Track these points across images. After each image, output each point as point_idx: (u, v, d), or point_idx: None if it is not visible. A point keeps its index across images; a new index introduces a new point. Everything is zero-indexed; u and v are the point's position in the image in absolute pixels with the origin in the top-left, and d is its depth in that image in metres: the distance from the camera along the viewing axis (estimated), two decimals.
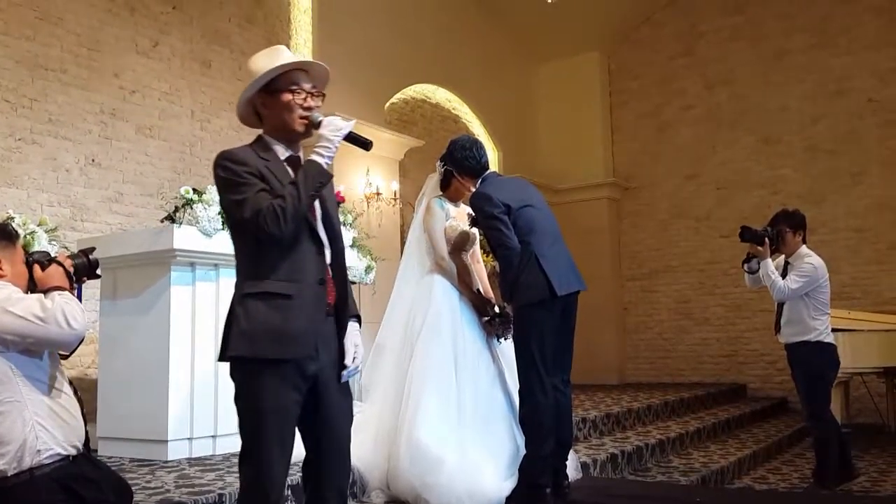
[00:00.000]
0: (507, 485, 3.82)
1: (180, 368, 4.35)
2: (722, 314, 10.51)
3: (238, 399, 2.33)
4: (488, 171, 4.21)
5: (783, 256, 5.34)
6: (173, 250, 4.27)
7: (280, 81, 2.47)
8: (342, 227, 4.85)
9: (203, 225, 4.36)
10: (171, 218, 4.56)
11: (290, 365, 2.28)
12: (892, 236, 9.46)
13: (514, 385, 4.15)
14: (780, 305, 5.29)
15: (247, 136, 8.11)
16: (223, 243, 4.45)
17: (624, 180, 11.30)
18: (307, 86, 2.49)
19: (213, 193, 4.47)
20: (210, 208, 4.40)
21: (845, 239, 9.67)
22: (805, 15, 10.19)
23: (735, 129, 10.57)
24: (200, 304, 4.46)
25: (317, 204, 2.46)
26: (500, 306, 4.34)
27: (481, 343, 4.22)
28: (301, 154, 2.53)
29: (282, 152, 2.48)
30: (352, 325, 2.51)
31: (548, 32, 11.04)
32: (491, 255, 8.76)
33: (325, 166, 2.40)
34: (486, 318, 4.28)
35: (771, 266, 5.16)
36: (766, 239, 5.17)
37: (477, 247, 4.56)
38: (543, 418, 3.80)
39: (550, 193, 10.93)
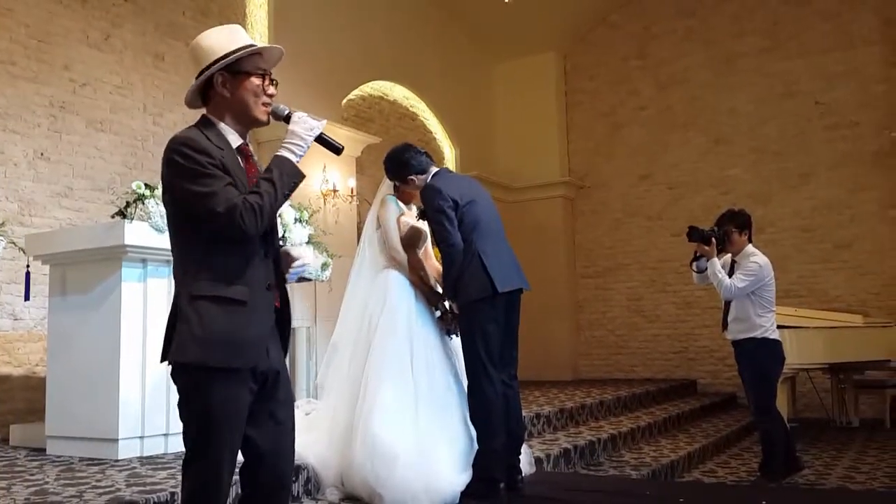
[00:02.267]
0: (462, 479, 3.85)
1: (131, 366, 4.29)
2: (673, 312, 10.70)
3: (185, 404, 2.21)
4: (439, 168, 4.27)
5: (730, 255, 5.46)
6: (124, 246, 4.21)
7: (246, 63, 2.29)
8: (298, 224, 4.84)
9: (155, 220, 4.30)
10: (122, 213, 4.49)
11: (244, 371, 2.20)
12: (837, 236, 9.72)
13: (465, 380, 4.20)
14: (727, 303, 5.41)
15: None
16: None
17: (578, 179, 11.42)
18: (269, 72, 2.36)
19: None
20: (162, 204, 4.35)
21: (792, 238, 9.92)
22: (756, 18, 10.42)
23: (687, 129, 10.77)
24: (152, 301, 4.41)
25: None
26: (450, 303, 4.38)
27: (436, 338, 4.26)
28: (249, 144, 2.40)
29: (234, 140, 2.31)
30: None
31: (505, 32, 11.11)
32: None
33: (297, 165, 2.27)
34: (440, 314, 4.31)
35: (718, 265, 5.27)
36: (713, 238, 5.28)
37: (429, 243, 4.61)
38: (492, 412, 3.87)
39: (506, 192, 11.02)
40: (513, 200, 11.15)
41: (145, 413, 4.32)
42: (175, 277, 2.26)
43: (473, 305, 3.95)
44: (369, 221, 4.50)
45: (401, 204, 4.44)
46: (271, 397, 2.29)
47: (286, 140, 2.28)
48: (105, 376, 4.27)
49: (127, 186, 4.63)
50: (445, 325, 4.30)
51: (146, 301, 4.39)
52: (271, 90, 2.35)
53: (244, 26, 7.93)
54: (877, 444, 7.21)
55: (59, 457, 4.33)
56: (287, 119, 2.32)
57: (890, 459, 6.42)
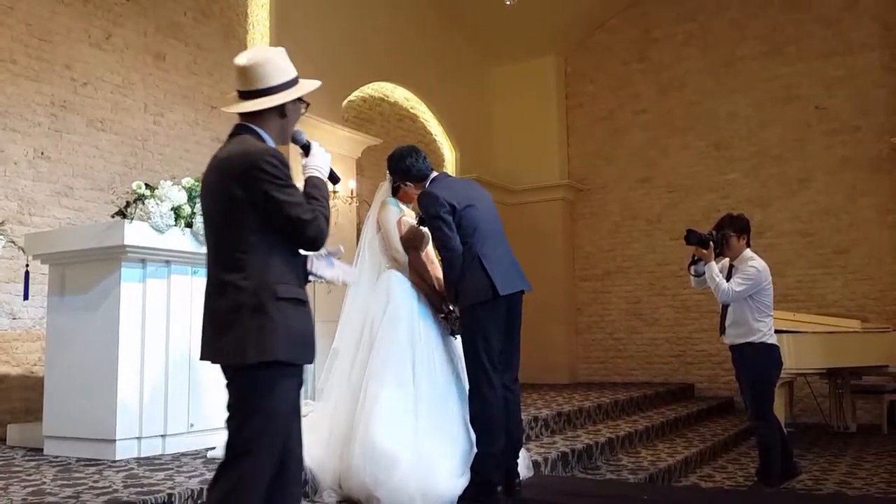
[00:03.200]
0: (460, 483, 3.85)
1: (129, 367, 4.29)
2: (671, 315, 10.71)
3: (250, 401, 2.32)
4: (438, 172, 4.28)
5: (728, 259, 5.47)
6: (124, 246, 4.21)
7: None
8: None
9: (155, 221, 4.30)
10: (122, 213, 4.49)
11: (301, 369, 2.43)
12: (835, 241, 9.73)
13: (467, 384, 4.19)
14: (725, 307, 5.41)
15: (201, 130, 8.00)
16: (175, 240, 4.41)
17: (578, 182, 11.43)
18: None
19: (165, 189, 4.42)
20: (162, 204, 4.35)
21: (791, 243, 9.93)
22: (756, 24, 10.43)
23: (686, 133, 10.78)
24: (151, 302, 4.41)
25: None
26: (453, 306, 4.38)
27: (437, 340, 4.25)
28: None
29: None
30: None
31: (505, 35, 11.12)
32: None
33: None
34: (442, 315, 4.31)
35: (715, 269, 5.28)
36: (711, 242, 5.29)
37: (430, 246, 4.61)
38: (493, 416, 3.86)
39: (506, 194, 11.02)
40: (512, 203, 11.16)
41: (143, 414, 4.32)
42: (230, 279, 2.38)
43: (474, 308, 3.94)
44: (369, 224, 4.50)
45: (401, 205, 4.45)
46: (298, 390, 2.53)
47: (313, 165, 2.61)
48: (103, 377, 4.27)
49: (127, 186, 4.64)
50: (448, 326, 4.29)
51: (145, 301, 4.38)
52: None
53: (245, 27, 7.95)
54: (874, 450, 7.21)
55: (56, 457, 4.33)
56: (305, 147, 2.65)
57: (887, 465, 6.43)
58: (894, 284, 9.40)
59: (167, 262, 4.48)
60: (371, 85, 9.52)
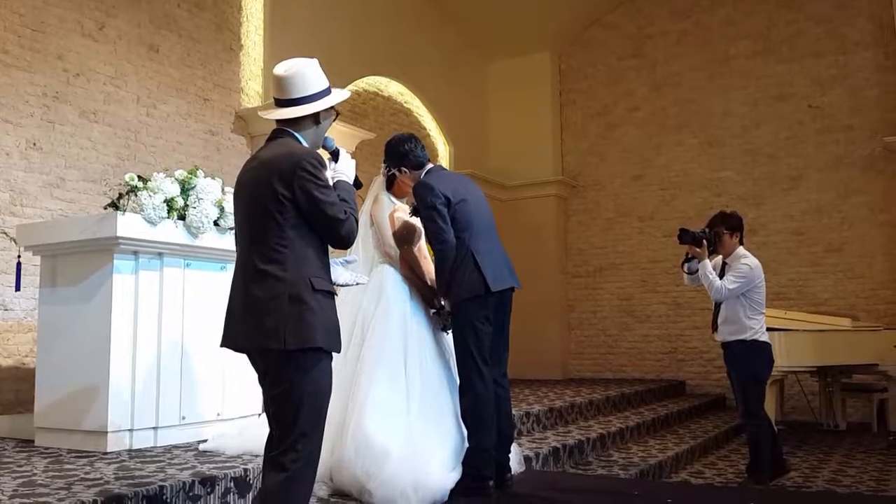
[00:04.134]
0: (451, 476, 3.86)
1: (121, 359, 4.28)
2: (663, 312, 10.73)
3: (304, 385, 2.56)
4: (433, 164, 4.27)
5: (721, 257, 5.48)
6: (116, 238, 4.19)
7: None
8: None
9: (148, 213, 4.29)
10: (114, 205, 4.48)
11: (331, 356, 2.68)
12: (827, 239, 9.77)
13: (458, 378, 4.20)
14: (718, 305, 5.43)
15: (194, 122, 7.95)
16: (168, 232, 4.39)
17: (572, 178, 11.44)
18: None
19: (158, 181, 4.41)
20: (155, 196, 4.33)
21: (783, 241, 9.96)
22: (749, 22, 10.45)
23: (680, 131, 10.80)
24: (143, 294, 4.39)
25: None
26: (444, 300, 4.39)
27: (430, 335, 4.26)
28: None
29: None
30: None
31: (500, 31, 11.12)
32: None
33: None
34: (434, 310, 4.31)
35: (709, 266, 5.29)
36: (705, 240, 5.30)
37: (423, 241, 4.61)
38: (484, 411, 3.88)
39: (500, 190, 11.03)
40: (506, 199, 11.16)
41: (135, 406, 4.30)
42: (269, 269, 2.59)
43: (466, 303, 3.95)
44: (362, 219, 4.49)
45: (393, 199, 4.45)
46: None
47: (341, 170, 2.86)
48: (95, 369, 4.25)
49: (119, 178, 4.62)
50: (441, 321, 4.30)
51: (137, 293, 4.37)
52: None
53: (239, 19, 7.93)
54: (863, 448, 7.25)
55: (47, 448, 4.31)
56: (334, 153, 2.90)
57: (876, 463, 6.47)
58: (885, 283, 9.44)
59: (159, 254, 4.46)
60: (365, 79, 9.50)
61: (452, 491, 3.80)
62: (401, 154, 4.25)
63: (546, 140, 11.51)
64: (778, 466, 5.45)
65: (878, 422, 8.43)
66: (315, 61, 2.84)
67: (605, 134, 11.33)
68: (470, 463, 3.86)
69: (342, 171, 2.86)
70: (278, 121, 2.80)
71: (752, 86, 10.35)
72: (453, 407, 4.13)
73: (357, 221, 2.72)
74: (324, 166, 2.65)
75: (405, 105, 10.32)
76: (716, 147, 10.54)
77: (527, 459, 4.79)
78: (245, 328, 2.61)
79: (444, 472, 3.87)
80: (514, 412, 4.93)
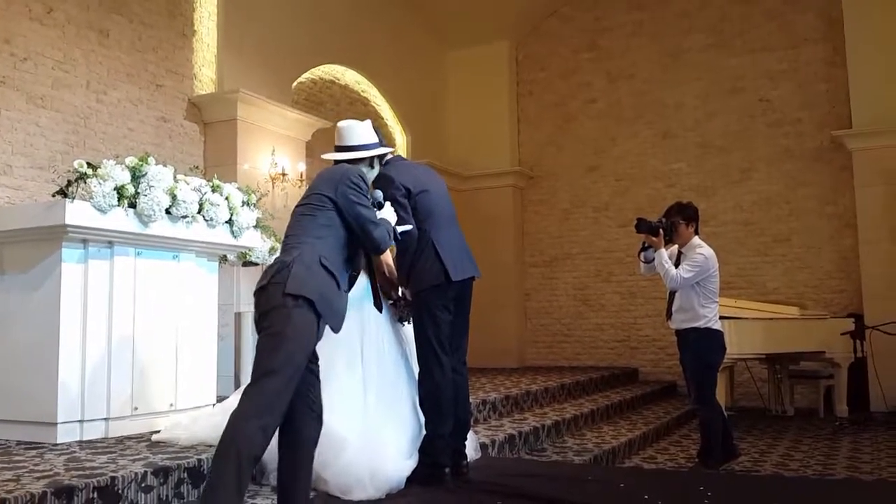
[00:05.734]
0: (408, 464, 3.87)
1: (70, 349, 4.19)
2: (617, 301, 10.87)
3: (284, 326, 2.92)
4: (394, 156, 4.27)
5: (676, 246, 5.57)
6: (65, 226, 4.09)
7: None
8: (245, 207, 4.87)
9: (97, 200, 4.19)
10: (63, 192, 4.36)
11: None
12: (775, 230, 9.99)
13: (416, 367, 4.22)
14: (672, 293, 5.52)
15: (146, 109, 7.78)
16: (118, 220, 4.31)
17: (528, 169, 11.50)
18: None
19: (108, 168, 4.31)
20: (105, 183, 4.23)
21: (733, 231, 10.15)
22: (703, 15, 10.60)
23: (634, 123, 10.92)
24: (93, 282, 4.30)
25: None
26: (403, 290, 4.38)
27: (388, 325, 4.26)
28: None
29: None
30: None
31: (459, 20, 11.11)
32: None
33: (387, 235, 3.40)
34: (391, 301, 4.31)
35: (664, 256, 5.37)
36: (661, 230, 5.38)
37: None
38: (442, 399, 3.90)
39: (457, 180, 11.03)
40: (463, 189, 11.18)
41: (85, 397, 4.22)
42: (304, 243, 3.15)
43: (426, 293, 3.98)
44: None
45: None
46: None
47: (383, 218, 3.45)
48: (44, 359, 4.17)
49: (68, 165, 4.52)
50: (398, 312, 4.30)
51: (86, 282, 4.28)
52: None
53: (192, 4, 7.81)
54: (810, 433, 7.44)
55: None
56: (379, 205, 3.54)
57: (823, 447, 6.64)
58: (832, 273, 9.68)
59: (110, 242, 4.37)
60: (321, 67, 9.42)
61: (409, 478, 3.81)
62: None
63: (503, 131, 11.56)
64: (728, 451, 5.56)
65: (824, 407, 8.66)
66: (369, 122, 3.82)
67: (562, 125, 11.41)
68: (427, 450, 3.88)
69: (383, 216, 3.46)
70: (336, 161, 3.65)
71: (705, 79, 10.51)
72: (411, 395, 4.15)
73: (391, 236, 3.42)
74: (366, 181, 3.34)
75: (362, 94, 10.26)
76: (669, 139, 10.69)
77: (483, 446, 4.82)
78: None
79: (400, 459, 3.88)
80: (470, 400, 4.95)
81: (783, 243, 9.94)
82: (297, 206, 3.36)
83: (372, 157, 3.73)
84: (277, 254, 5.55)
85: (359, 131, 3.71)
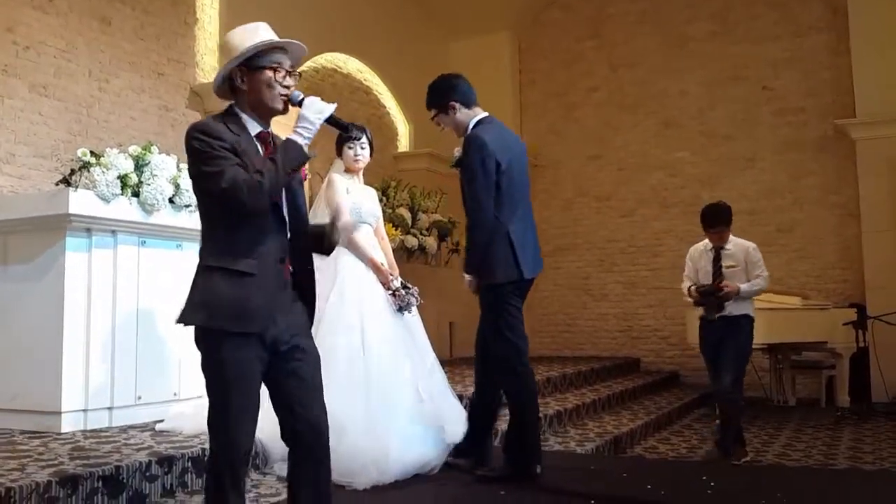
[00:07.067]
0: (416, 452, 3.92)
1: (75, 338, 4.20)
2: (619, 291, 10.87)
3: (204, 368, 2.45)
4: (486, 115, 4.12)
5: (703, 243, 5.60)
6: (68, 215, 4.10)
7: (262, 58, 2.53)
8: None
9: (101, 189, 4.20)
10: (66, 181, 4.38)
11: (252, 337, 2.38)
12: (779, 220, 9.97)
13: (419, 358, 4.23)
14: (716, 279, 5.49)
15: (148, 98, 7.77)
16: (122, 209, 4.32)
17: (532, 158, 11.43)
18: (287, 64, 2.59)
19: (111, 157, 4.32)
20: (108, 172, 4.24)
21: (737, 221, 9.87)
22: (706, 3, 10.55)
23: (637, 112, 10.88)
24: (97, 272, 4.31)
25: None
26: (402, 280, 4.40)
27: (389, 315, 4.26)
28: (271, 130, 2.61)
29: (253, 128, 2.54)
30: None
31: (461, 10, 11.06)
32: (398, 230, 8.74)
33: (304, 147, 2.48)
34: (390, 292, 4.31)
35: (746, 288, 5.42)
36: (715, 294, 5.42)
37: (381, 223, 4.63)
38: (532, 390, 3.97)
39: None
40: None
41: (89, 386, 4.24)
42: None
43: (499, 288, 3.92)
44: (320, 207, 4.46)
45: (348, 181, 4.45)
46: (292, 359, 2.48)
47: (297, 124, 2.50)
48: (48, 348, 4.18)
49: (71, 154, 4.51)
50: (397, 303, 4.30)
51: (91, 271, 4.29)
52: (287, 81, 2.57)
53: None
54: (812, 423, 7.46)
55: None
56: (300, 104, 2.53)
57: (824, 437, 6.66)
58: (835, 263, 9.67)
59: (113, 231, 4.38)
60: (323, 55, 9.39)
61: (496, 477, 3.92)
62: (448, 87, 4.13)
63: (506, 120, 11.26)
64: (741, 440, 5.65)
65: (826, 398, 8.67)
66: (257, 24, 2.67)
67: (565, 114, 11.38)
68: (527, 442, 3.94)
69: (300, 125, 2.52)
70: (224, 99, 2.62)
71: (708, 67, 10.47)
72: (414, 386, 4.15)
73: (259, 185, 2.32)
74: (212, 134, 2.36)
75: (364, 83, 10.23)
76: (672, 128, 10.66)
77: None
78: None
79: (405, 446, 3.90)
80: (471, 392, 4.96)
81: (786, 233, 9.92)
82: None
83: (233, 70, 2.52)
84: None
85: (236, 39, 2.58)
